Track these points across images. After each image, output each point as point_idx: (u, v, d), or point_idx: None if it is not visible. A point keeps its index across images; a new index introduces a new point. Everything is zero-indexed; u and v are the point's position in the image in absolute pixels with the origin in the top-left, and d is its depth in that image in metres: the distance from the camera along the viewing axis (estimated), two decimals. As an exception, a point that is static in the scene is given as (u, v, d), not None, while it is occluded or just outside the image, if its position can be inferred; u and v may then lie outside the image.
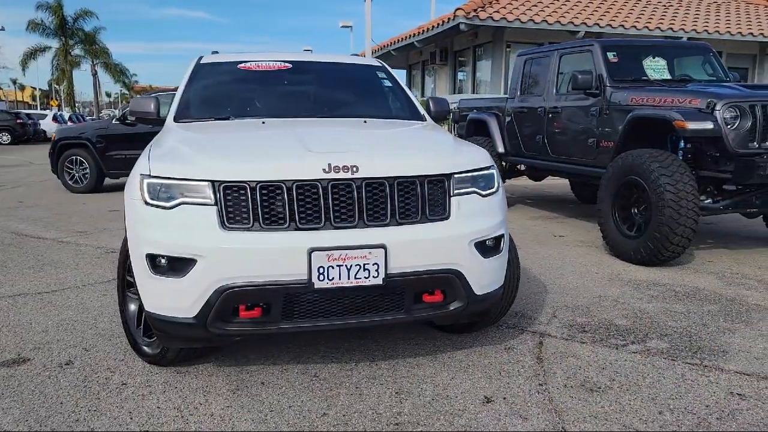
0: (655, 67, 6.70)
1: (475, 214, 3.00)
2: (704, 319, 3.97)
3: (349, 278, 2.69)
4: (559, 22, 13.25)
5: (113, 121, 10.97)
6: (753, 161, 5.12)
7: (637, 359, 3.31)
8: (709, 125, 5.15)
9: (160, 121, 4.00)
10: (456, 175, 2.97)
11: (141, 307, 3.26)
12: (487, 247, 3.02)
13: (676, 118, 5.23)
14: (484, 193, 3.07)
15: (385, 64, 4.72)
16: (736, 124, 5.18)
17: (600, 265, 5.42)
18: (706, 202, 5.52)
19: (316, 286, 2.67)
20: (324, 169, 2.74)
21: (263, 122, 3.65)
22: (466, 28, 12.90)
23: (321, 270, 2.66)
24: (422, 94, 19.07)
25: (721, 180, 5.52)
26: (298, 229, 2.70)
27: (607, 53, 6.53)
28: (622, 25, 13.69)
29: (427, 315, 2.99)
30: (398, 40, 17.03)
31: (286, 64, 4.34)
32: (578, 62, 6.85)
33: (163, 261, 2.72)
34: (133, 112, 4.03)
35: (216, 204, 2.70)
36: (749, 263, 5.51)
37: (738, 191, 5.60)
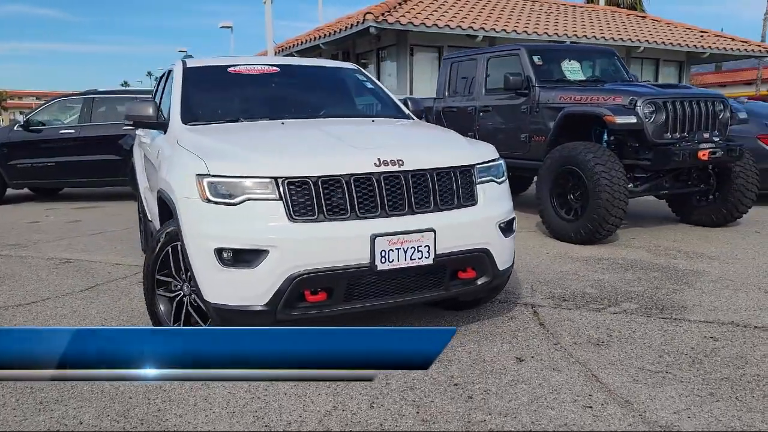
0: (572, 69, 7.51)
1: (495, 200, 3.43)
2: (654, 284, 4.67)
3: (405, 259, 3.02)
4: (460, 26, 14.08)
5: (15, 128, 10.32)
6: (669, 149, 5.98)
7: (621, 318, 3.89)
8: (633, 119, 5.95)
9: (159, 125, 4.06)
10: (478, 165, 3.38)
11: (178, 305, 3.39)
12: (506, 228, 3.45)
13: (606, 114, 5.98)
14: (498, 180, 3.51)
15: (359, 67, 5.04)
16: (653, 118, 6.02)
17: (546, 246, 6.06)
18: (629, 186, 6.33)
19: (378, 269, 2.97)
20: (375, 163, 3.04)
21: (282, 123, 3.86)
22: (376, 31, 13.38)
23: (383, 253, 2.96)
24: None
25: (638, 167, 6.38)
26: (358, 218, 2.99)
27: (533, 57, 7.23)
28: (515, 30, 14.82)
29: (459, 290, 3.38)
30: (302, 42, 17.19)
31: (273, 68, 4.53)
32: (505, 65, 7.50)
33: (233, 254, 2.89)
34: (131, 116, 4.06)
35: (281, 198, 2.91)
36: (664, 238, 6.40)
37: (652, 177, 6.49)
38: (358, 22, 13.55)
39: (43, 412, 2.76)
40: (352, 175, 3.00)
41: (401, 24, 13.29)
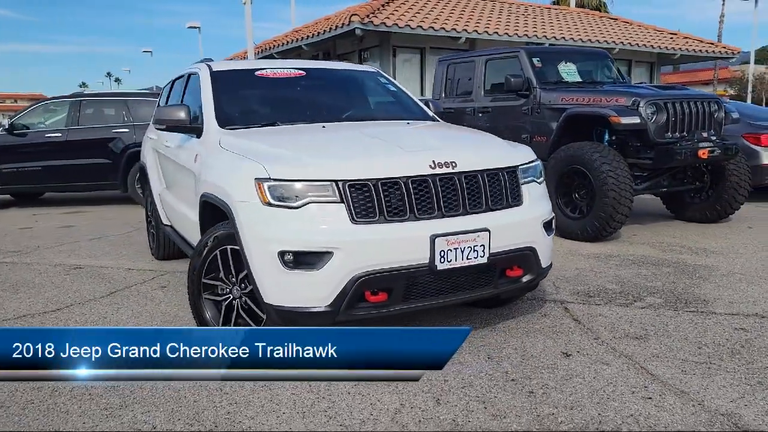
0: (568, 71, 7.68)
1: (538, 199, 3.52)
2: (670, 279, 4.83)
3: (462, 259, 3.09)
4: (443, 28, 14.22)
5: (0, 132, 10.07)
6: (671, 148, 6.18)
7: (650, 313, 4.03)
8: (637, 119, 6.13)
9: (191, 128, 4.04)
10: (521, 166, 3.47)
11: (227, 308, 3.40)
12: (548, 227, 3.55)
13: (611, 115, 6.15)
14: (539, 181, 3.61)
15: (379, 69, 5.09)
16: (655, 118, 6.22)
17: (556, 244, 6.19)
18: (632, 185, 6.52)
19: (438, 268, 3.03)
20: (430, 165, 3.11)
21: (323, 126, 3.89)
22: (361, 32, 13.41)
23: (442, 253, 3.03)
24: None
25: (636, 167, 6.57)
26: (417, 219, 3.05)
27: (532, 59, 7.37)
28: (496, 33, 15.02)
29: (506, 288, 3.47)
30: (283, 43, 17.10)
31: (300, 72, 4.55)
32: (504, 67, 7.63)
33: (297, 256, 2.92)
34: (163, 120, 4.04)
35: (343, 201, 2.95)
36: (664, 234, 6.60)
37: (651, 175, 6.70)
38: (343, 24, 13.56)
39: (112, 418, 2.75)
40: (409, 177, 3.05)
41: (386, 26, 13.35)
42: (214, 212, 3.54)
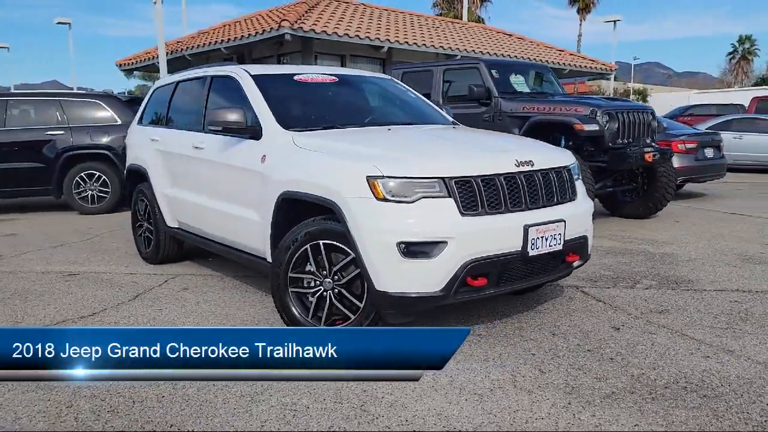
0: (518, 82, 8.40)
1: (584, 194, 4.04)
2: (648, 265, 5.56)
3: (546, 246, 3.51)
4: (368, 37, 14.66)
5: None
6: (625, 152, 7.03)
7: (655, 292, 4.68)
8: (596, 127, 6.91)
9: (247, 131, 4.13)
10: (570, 165, 3.96)
11: (318, 300, 3.59)
12: (592, 218, 4.07)
13: (576, 122, 6.89)
14: (581, 178, 4.12)
15: (391, 77, 5.41)
16: (609, 126, 7.03)
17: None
18: (586, 185, 7.31)
19: (530, 254, 3.43)
20: (515, 164, 3.51)
21: (389, 129, 4.15)
22: (291, 38, 13.50)
23: (533, 241, 3.43)
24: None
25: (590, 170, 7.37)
26: (510, 211, 3.43)
27: (491, 70, 8.00)
28: (416, 43, 15.71)
29: (564, 273, 3.94)
30: (200, 45, 16.67)
31: (332, 77, 4.77)
32: (463, 77, 8.20)
33: (415, 246, 3.19)
34: (219, 122, 4.09)
35: (450, 196, 3.27)
36: (615, 229, 7.42)
37: (601, 177, 7.53)
38: (271, 28, 13.59)
39: (259, 402, 2.87)
40: (501, 173, 3.43)
41: (315, 32, 13.56)
42: (293, 209, 3.70)
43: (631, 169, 7.79)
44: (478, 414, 2.78)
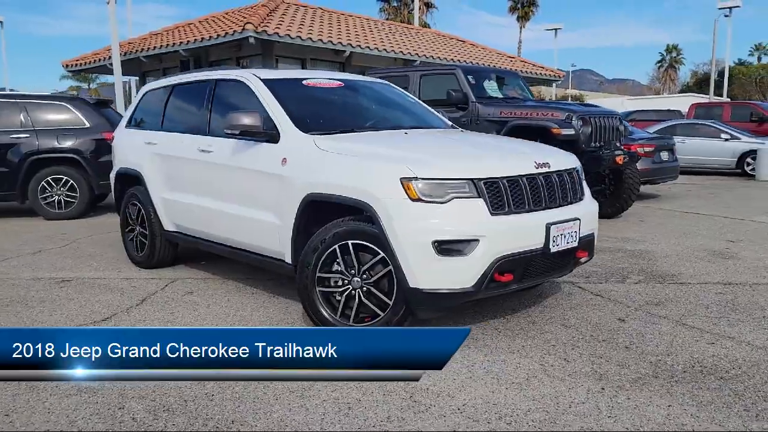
0: (491, 88, 8.69)
1: (589, 194, 4.28)
2: (630, 261, 5.89)
3: (564, 243, 3.73)
4: (331, 41, 14.75)
5: None
6: (599, 155, 7.39)
7: (645, 287, 4.98)
8: (572, 131, 7.25)
9: (264, 134, 4.18)
10: (577, 167, 4.20)
11: (347, 298, 3.70)
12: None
13: (554, 127, 7.20)
14: (585, 179, 4.37)
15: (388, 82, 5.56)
16: (583, 130, 7.39)
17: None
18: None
19: (552, 251, 3.64)
20: (535, 165, 3.72)
21: (405, 132, 4.28)
22: (255, 41, 13.44)
23: (554, 238, 3.64)
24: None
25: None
26: (532, 210, 3.62)
27: (467, 76, 8.25)
28: (377, 48, 15.91)
29: (574, 269, 4.16)
30: (157, 47, 16.33)
31: (338, 82, 4.88)
32: (439, 83, 8.42)
33: (450, 244, 3.34)
34: (237, 125, 4.13)
35: (480, 196, 3.44)
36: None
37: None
38: (234, 31, 13.49)
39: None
40: (525, 175, 3.63)
41: (279, 35, 13.55)
42: (317, 211, 3.80)
43: (599, 171, 8.18)
44: (523, 400, 2.95)
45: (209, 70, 5.37)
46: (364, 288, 3.64)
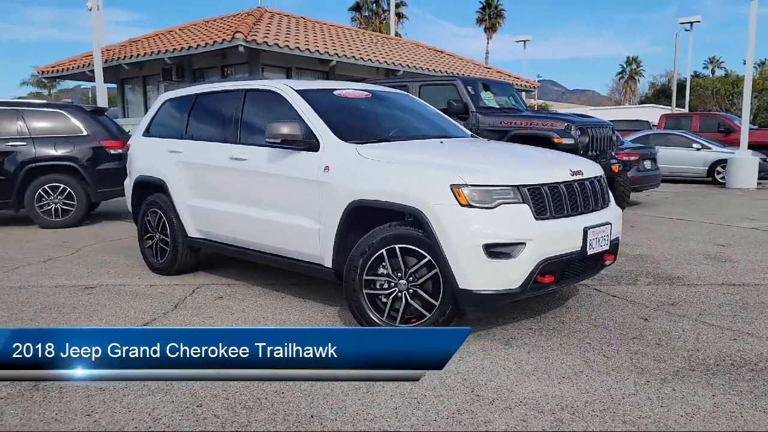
0: (488, 98, 8.96)
1: (613, 201, 4.52)
2: (635, 265, 6.16)
3: (599, 246, 3.96)
4: (317, 50, 14.89)
5: None
6: (599, 162, 7.67)
7: (656, 288, 5.25)
8: (571, 140, 7.55)
9: (304, 143, 4.32)
10: (601, 175, 4.45)
11: (393, 300, 3.85)
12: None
13: (555, 136, 7.49)
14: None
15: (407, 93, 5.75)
16: (580, 139, 7.70)
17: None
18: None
19: (588, 254, 3.86)
20: (570, 173, 3.94)
21: (441, 141, 4.47)
22: (244, 50, 13.49)
23: (591, 242, 3.86)
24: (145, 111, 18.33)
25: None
26: (570, 215, 3.84)
27: (467, 87, 8.50)
28: (362, 57, 16.12)
29: (600, 271, 4.40)
30: (140, 54, 16.20)
31: (366, 93, 5.05)
32: (439, 93, 8.65)
33: (499, 247, 3.53)
34: (278, 134, 4.25)
35: (524, 202, 3.64)
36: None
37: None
38: (223, 39, 13.53)
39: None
40: (563, 182, 3.85)
41: (268, 45, 13.64)
42: (361, 216, 3.95)
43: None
44: (578, 393, 3.15)
45: (233, 79, 5.47)
46: (410, 290, 3.80)
